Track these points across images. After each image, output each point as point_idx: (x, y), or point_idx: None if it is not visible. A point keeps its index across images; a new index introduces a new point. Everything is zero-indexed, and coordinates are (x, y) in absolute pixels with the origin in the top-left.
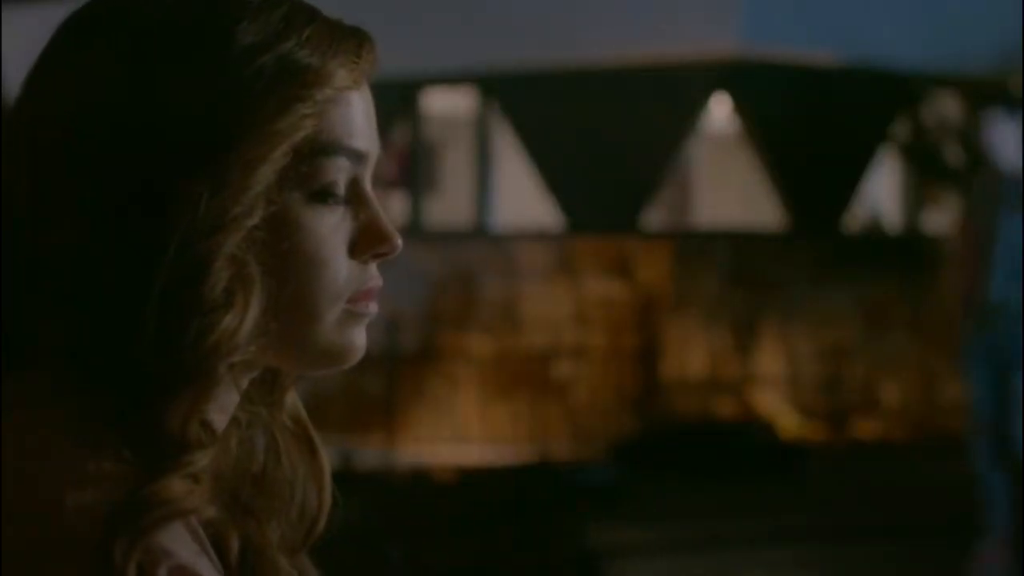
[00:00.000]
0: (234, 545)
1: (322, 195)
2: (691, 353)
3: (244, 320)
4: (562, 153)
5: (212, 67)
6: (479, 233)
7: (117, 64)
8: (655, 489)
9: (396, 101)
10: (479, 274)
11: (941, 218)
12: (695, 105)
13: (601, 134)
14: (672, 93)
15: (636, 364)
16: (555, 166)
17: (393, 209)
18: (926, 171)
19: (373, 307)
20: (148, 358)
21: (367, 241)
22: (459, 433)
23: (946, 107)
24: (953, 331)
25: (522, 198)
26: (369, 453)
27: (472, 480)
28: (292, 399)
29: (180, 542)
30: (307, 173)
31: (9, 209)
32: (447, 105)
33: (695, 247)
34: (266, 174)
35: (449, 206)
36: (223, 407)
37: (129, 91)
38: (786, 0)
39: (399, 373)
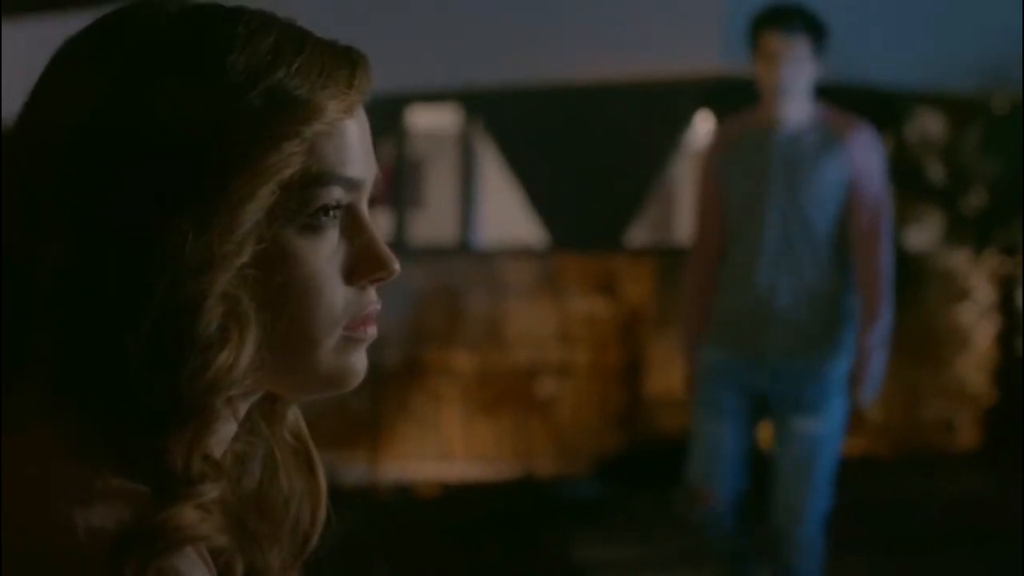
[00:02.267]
0: (239, 573)
1: (315, 225)
2: (675, 369)
3: (239, 356)
4: (545, 170)
5: (199, 103)
6: (463, 250)
7: (105, 98)
8: (640, 504)
9: (380, 118)
10: (463, 290)
11: (923, 235)
12: (679, 122)
13: (584, 151)
14: (655, 110)
15: (620, 380)
16: (538, 183)
17: (377, 225)
18: (908, 188)
19: (372, 331)
20: (144, 393)
21: (364, 266)
22: (443, 450)
23: (928, 124)
24: None
25: (506, 215)
26: (353, 469)
27: (457, 495)
28: (294, 414)
29: (192, 566)
30: (299, 205)
31: (3, 228)
32: (431, 122)
33: (679, 264)
34: (254, 211)
35: (433, 223)
36: (222, 438)
37: (117, 125)
38: None
39: (383, 389)
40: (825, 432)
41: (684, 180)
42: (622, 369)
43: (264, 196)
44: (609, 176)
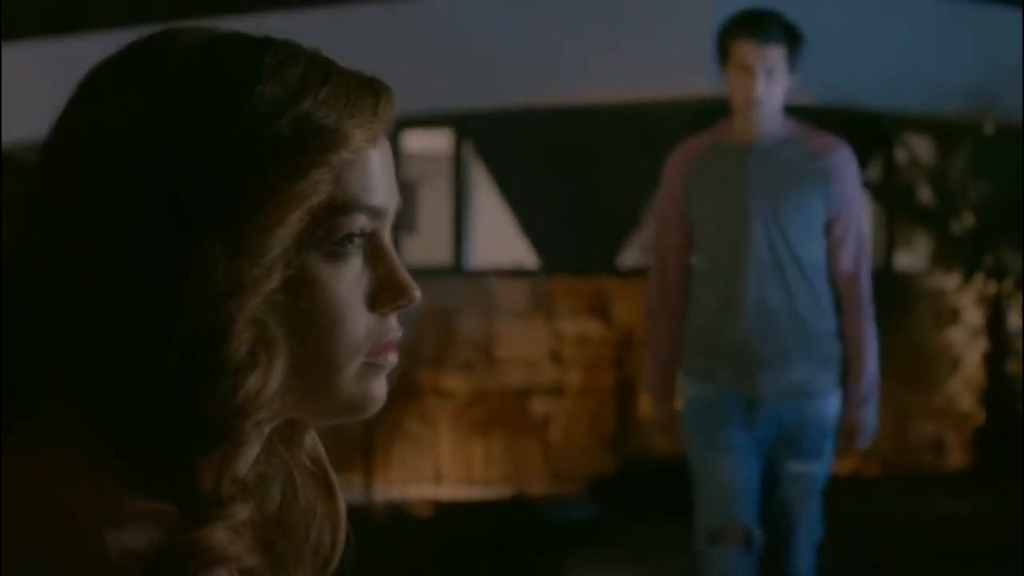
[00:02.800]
0: None
1: (340, 252)
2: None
3: (268, 381)
4: (537, 193)
5: (229, 131)
6: (456, 271)
7: (136, 123)
8: (632, 525)
9: None
10: (456, 312)
11: (913, 257)
12: (670, 144)
13: (576, 174)
14: (646, 132)
15: (613, 401)
16: (530, 206)
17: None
18: (898, 211)
19: (393, 358)
20: (174, 416)
21: (386, 294)
22: (436, 471)
23: (918, 148)
24: None
25: (499, 237)
26: (347, 490)
27: (450, 516)
28: (312, 439)
29: None
30: (325, 232)
31: (28, 252)
32: (424, 144)
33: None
34: (283, 238)
35: (426, 244)
36: (248, 460)
37: (147, 150)
38: None
39: (377, 411)
40: (820, 471)
41: None
42: (614, 390)
43: (293, 223)
44: (600, 198)
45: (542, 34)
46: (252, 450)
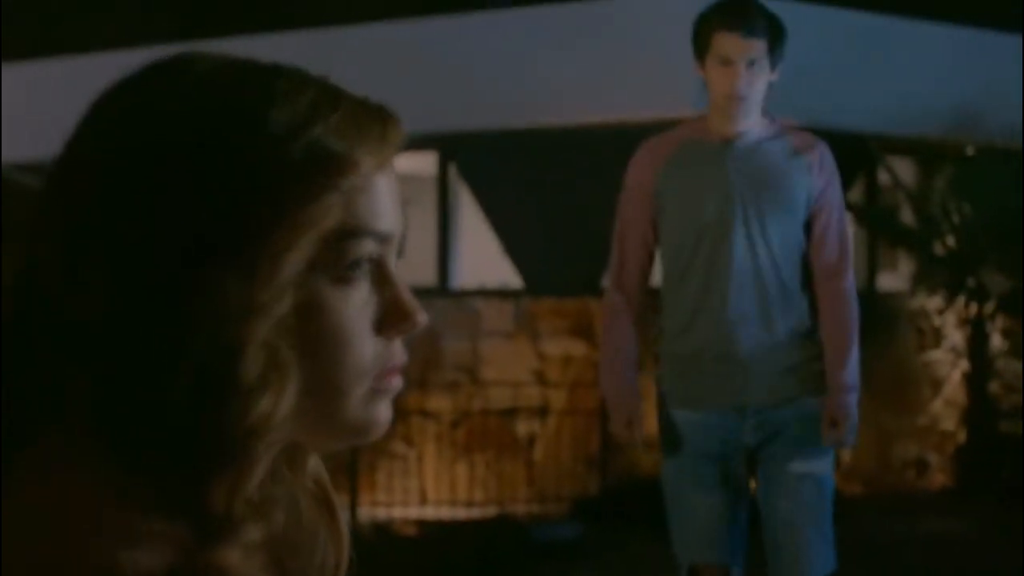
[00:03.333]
0: None
1: (348, 277)
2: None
3: (280, 403)
4: (521, 214)
5: (242, 155)
6: (441, 292)
7: (146, 148)
8: (617, 545)
9: None
10: (441, 333)
11: (896, 279)
12: None
13: (560, 195)
14: (630, 154)
15: (597, 421)
16: (513, 228)
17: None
18: (881, 233)
19: (398, 382)
20: (187, 438)
21: (392, 319)
22: (422, 492)
23: (900, 170)
24: None
25: (484, 258)
26: None
27: (435, 536)
28: (315, 461)
29: None
30: (334, 257)
31: (39, 273)
32: (409, 165)
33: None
34: (295, 261)
35: (412, 265)
36: (258, 481)
37: (161, 174)
38: None
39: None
40: (824, 474)
41: None
42: (598, 411)
43: (304, 247)
44: (584, 220)
45: (526, 57)
46: (263, 472)
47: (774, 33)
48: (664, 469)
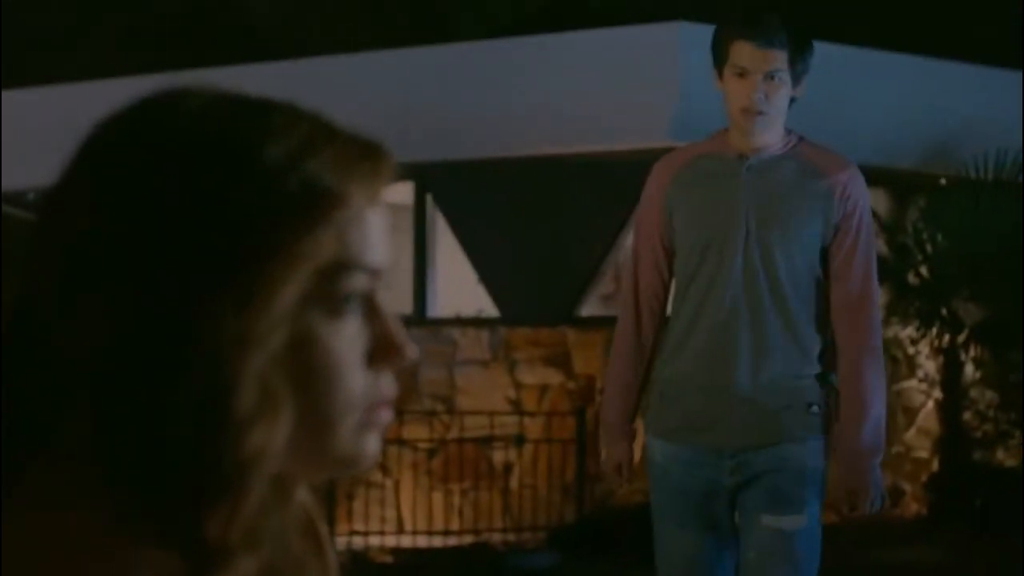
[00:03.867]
0: None
1: (340, 310)
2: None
3: (274, 435)
4: (497, 244)
5: (237, 189)
6: (418, 321)
7: (141, 182)
8: (593, 574)
9: None
10: (417, 361)
11: None
12: (629, 197)
13: (536, 225)
14: (606, 185)
15: (574, 450)
16: (490, 257)
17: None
18: None
19: (388, 415)
20: (182, 469)
21: (382, 352)
22: (399, 520)
23: (874, 200)
24: None
25: (460, 286)
26: None
27: (412, 565)
28: (303, 492)
29: None
30: (327, 290)
31: (34, 307)
32: (387, 195)
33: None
34: (289, 295)
35: (389, 294)
36: (253, 512)
37: (155, 208)
38: (717, 97)
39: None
40: (799, 529)
41: None
42: (574, 439)
43: (299, 280)
44: (560, 250)
45: (502, 87)
46: (257, 503)
47: (797, 44)
48: (651, 500)
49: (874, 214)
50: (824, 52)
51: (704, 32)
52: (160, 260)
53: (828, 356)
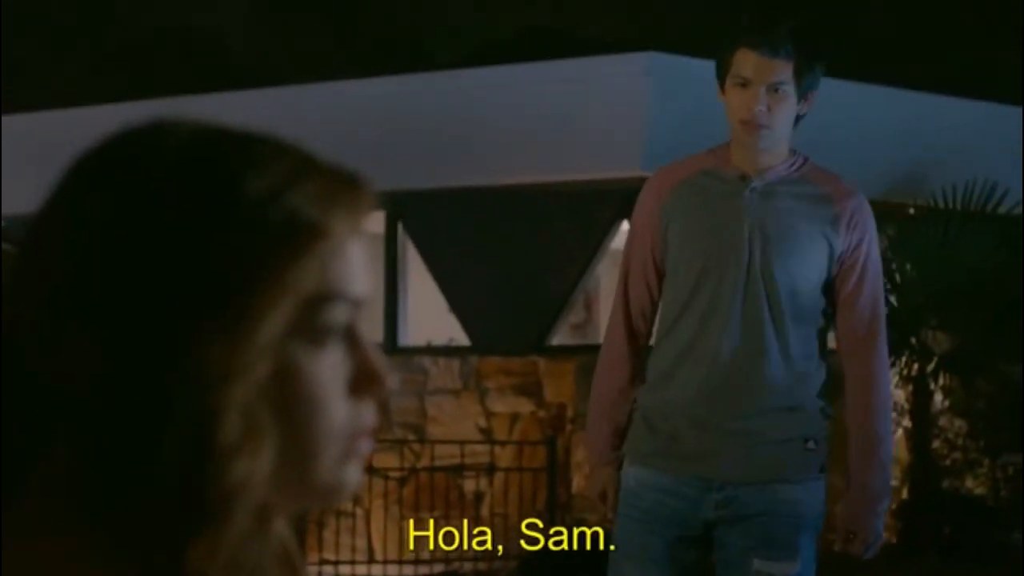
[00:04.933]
0: None
1: (322, 341)
2: None
3: (257, 466)
4: (468, 273)
5: (219, 219)
6: (389, 349)
7: (126, 213)
8: None
9: None
10: (389, 390)
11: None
12: (600, 227)
13: (507, 254)
14: (577, 215)
15: (544, 478)
16: (461, 286)
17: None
18: None
19: (368, 445)
20: (166, 500)
21: (363, 382)
22: (369, 550)
23: None
24: None
25: (431, 315)
26: None
27: None
28: (280, 523)
29: None
30: (309, 321)
31: (16, 339)
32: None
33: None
34: (274, 325)
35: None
36: (235, 543)
37: (137, 240)
38: (688, 128)
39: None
40: (795, 573)
41: (606, 283)
42: (545, 468)
43: (282, 311)
44: (531, 279)
45: (475, 116)
46: (239, 534)
47: (805, 56)
48: (614, 533)
49: None
50: None
51: (675, 62)
52: (143, 292)
53: (828, 389)
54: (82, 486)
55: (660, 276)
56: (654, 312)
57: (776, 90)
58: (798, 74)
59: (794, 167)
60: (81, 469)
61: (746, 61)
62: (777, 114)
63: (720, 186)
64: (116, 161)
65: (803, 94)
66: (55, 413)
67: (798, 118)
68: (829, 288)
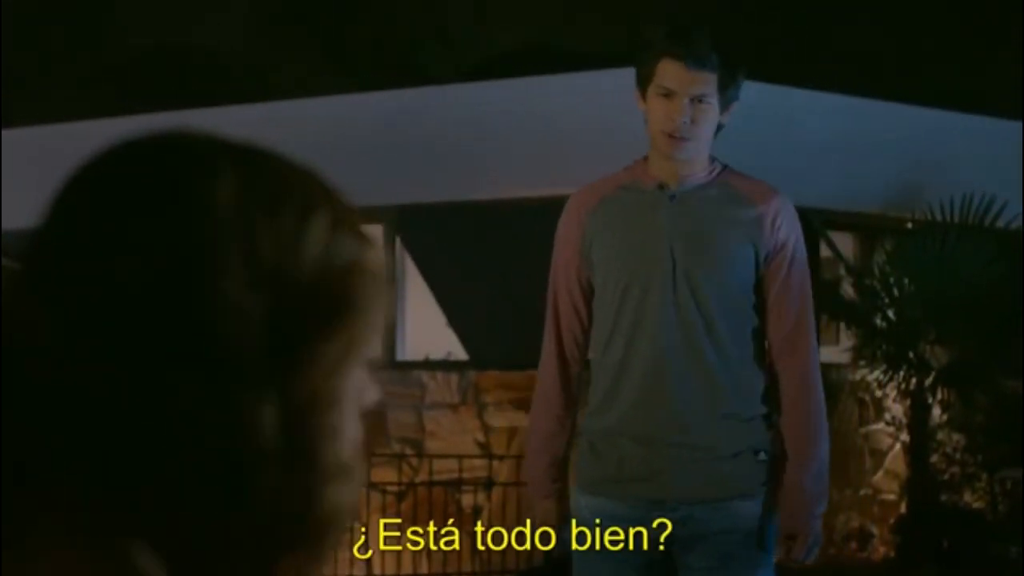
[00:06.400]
0: None
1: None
2: None
3: (355, 488)
4: (466, 287)
5: (288, 263)
6: (387, 364)
7: (126, 233)
8: None
9: None
10: (386, 404)
11: (837, 352)
12: None
13: (504, 269)
14: None
15: None
16: (458, 301)
17: None
18: (822, 306)
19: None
20: (256, 525)
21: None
22: (367, 565)
23: (841, 244)
24: None
25: (429, 330)
26: None
27: None
28: None
29: None
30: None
31: (24, 361)
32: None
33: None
34: (366, 354)
35: None
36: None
37: (139, 260)
38: None
39: None
40: None
41: None
42: None
43: (374, 340)
44: (529, 293)
45: (472, 131)
46: (327, 557)
47: (728, 68)
48: (574, 568)
49: (840, 257)
50: (790, 96)
51: None
52: (146, 310)
53: (771, 395)
54: (94, 515)
55: (587, 299)
56: (586, 336)
57: (700, 101)
58: (722, 86)
59: (713, 173)
60: (94, 498)
61: (670, 71)
62: (700, 126)
63: (639, 199)
64: (118, 179)
65: (725, 105)
66: (66, 426)
67: (719, 128)
68: (759, 289)
